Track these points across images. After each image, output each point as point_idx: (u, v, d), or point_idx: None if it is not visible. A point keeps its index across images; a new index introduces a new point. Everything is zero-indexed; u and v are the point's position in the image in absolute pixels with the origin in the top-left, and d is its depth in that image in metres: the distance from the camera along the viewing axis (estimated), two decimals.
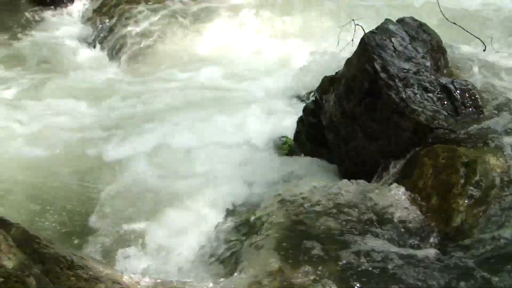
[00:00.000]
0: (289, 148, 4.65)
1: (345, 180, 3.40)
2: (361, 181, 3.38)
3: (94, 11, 8.09)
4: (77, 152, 4.79)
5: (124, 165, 4.63)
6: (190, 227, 3.82)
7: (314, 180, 3.72)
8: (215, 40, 6.79)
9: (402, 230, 3.00)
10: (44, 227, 3.89)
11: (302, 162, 4.38)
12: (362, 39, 3.75)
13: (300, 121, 4.60)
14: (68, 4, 8.38)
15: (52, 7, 8.42)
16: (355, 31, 5.35)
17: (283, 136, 4.79)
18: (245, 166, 4.47)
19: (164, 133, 5.04)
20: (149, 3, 7.68)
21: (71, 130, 5.12)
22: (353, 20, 5.40)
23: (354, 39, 5.25)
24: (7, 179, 4.39)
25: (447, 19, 4.54)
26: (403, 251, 2.72)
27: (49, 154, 4.72)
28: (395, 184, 3.24)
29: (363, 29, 5.15)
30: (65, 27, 7.93)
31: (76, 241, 3.84)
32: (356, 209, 3.04)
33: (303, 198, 3.34)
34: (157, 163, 4.62)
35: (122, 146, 4.84)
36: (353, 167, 3.87)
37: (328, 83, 4.13)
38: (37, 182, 4.37)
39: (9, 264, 2.18)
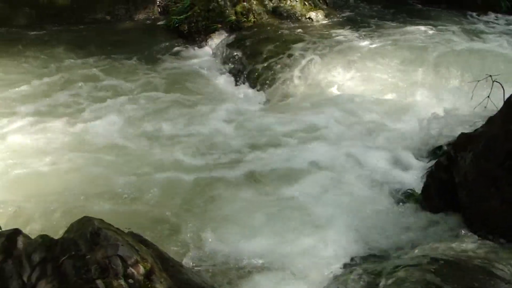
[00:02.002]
0: (415, 201, 4.58)
1: (479, 241, 3.32)
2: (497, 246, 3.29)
3: (228, 45, 8.43)
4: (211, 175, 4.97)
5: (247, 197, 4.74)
6: (307, 273, 3.85)
7: (443, 238, 3.67)
8: (346, 81, 6.82)
9: None
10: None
11: (428, 218, 4.29)
12: (508, 100, 3.66)
13: (430, 175, 4.52)
14: (204, 37, 8.77)
15: (188, 39, 8.89)
16: (491, 87, 5.26)
17: (409, 189, 4.73)
18: (368, 217, 4.42)
19: (290, 171, 5.09)
20: (283, 39, 7.89)
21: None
22: (490, 76, 5.29)
23: (490, 96, 5.19)
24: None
25: None
26: None
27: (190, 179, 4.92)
28: None
29: (502, 86, 5.05)
30: (200, 59, 8.29)
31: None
32: (494, 275, 2.96)
33: (432, 256, 3.30)
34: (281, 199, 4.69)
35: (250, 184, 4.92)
36: (485, 229, 3.76)
37: (465, 140, 4.04)
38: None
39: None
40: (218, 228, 4.28)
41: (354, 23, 8.54)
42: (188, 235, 4.12)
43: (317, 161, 5.13)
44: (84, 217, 2.80)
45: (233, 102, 6.80)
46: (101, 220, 2.77)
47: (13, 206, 4.16)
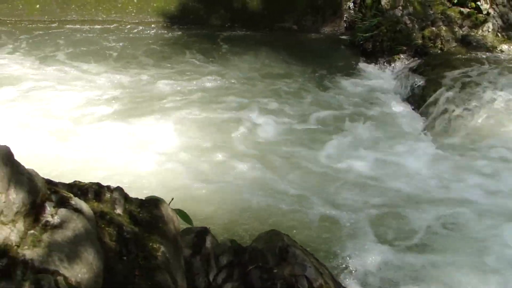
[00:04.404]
0: None
1: None
2: None
3: (411, 69, 8.27)
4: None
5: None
6: None
7: None
8: None
9: None
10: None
11: None
12: None
13: None
14: (387, 58, 8.70)
15: (371, 58, 8.87)
16: None
17: None
18: None
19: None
20: (470, 70, 7.57)
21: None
22: None
23: None
24: None
25: None
26: None
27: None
28: None
29: None
30: (380, 79, 8.23)
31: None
32: None
33: None
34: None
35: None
36: None
37: None
38: None
39: None
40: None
41: None
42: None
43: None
44: (273, 230, 2.94)
45: (408, 129, 6.66)
46: (289, 237, 2.88)
47: (203, 205, 4.45)
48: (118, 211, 2.70)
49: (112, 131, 5.85)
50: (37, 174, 2.05)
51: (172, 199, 3.35)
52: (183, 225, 3.34)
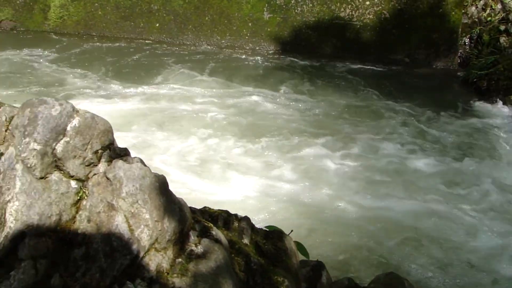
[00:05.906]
0: None
1: None
2: None
3: None
4: None
5: None
6: None
7: None
8: None
9: None
10: None
11: None
12: None
13: None
14: (503, 97, 8.42)
15: (485, 96, 8.61)
16: None
17: None
18: None
19: None
20: None
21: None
22: None
23: None
24: None
25: None
26: None
27: None
28: None
29: None
30: (495, 119, 7.96)
31: None
32: None
33: None
34: None
35: None
36: None
37: None
38: None
39: None
40: None
41: None
42: None
43: None
44: (392, 273, 2.92)
45: None
46: (408, 282, 2.86)
47: (317, 238, 4.47)
48: (245, 241, 2.78)
49: (224, 157, 5.99)
50: (185, 204, 2.16)
51: (292, 231, 3.40)
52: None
